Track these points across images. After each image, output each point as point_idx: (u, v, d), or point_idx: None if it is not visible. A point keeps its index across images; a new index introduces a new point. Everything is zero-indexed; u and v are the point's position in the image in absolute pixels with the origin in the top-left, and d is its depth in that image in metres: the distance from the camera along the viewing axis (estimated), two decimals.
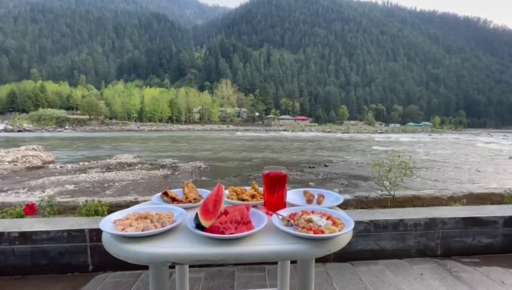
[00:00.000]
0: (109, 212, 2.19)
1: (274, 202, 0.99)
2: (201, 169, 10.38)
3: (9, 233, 1.64)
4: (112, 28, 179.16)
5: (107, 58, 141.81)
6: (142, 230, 0.78)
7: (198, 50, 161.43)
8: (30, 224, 1.74)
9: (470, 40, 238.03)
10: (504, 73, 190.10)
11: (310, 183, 8.00)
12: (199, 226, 0.78)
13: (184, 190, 1.14)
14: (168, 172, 9.47)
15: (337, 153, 17.75)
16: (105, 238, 0.80)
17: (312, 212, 0.92)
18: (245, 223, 0.81)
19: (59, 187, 7.02)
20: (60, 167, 10.28)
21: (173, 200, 1.07)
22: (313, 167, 11.18)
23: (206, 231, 0.77)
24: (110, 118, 67.88)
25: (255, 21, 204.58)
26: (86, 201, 2.11)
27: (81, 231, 1.68)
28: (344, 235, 0.80)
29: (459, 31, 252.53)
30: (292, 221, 0.86)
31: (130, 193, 7.01)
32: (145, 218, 0.85)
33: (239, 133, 51.99)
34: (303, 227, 0.81)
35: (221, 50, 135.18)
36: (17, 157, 10.70)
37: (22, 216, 2.06)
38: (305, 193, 1.20)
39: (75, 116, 63.11)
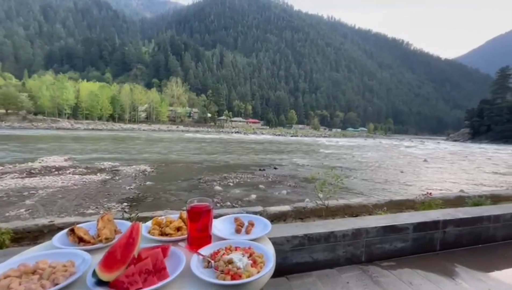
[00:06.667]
0: (13, 241, 1.83)
1: (198, 237, 0.93)
2: (146, 173, 9.69)
3: None
4: (39, 10, 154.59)
5: (32, 44, 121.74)
6: None
7: (145, 45, 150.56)
8: None
9: (397, 58, 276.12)
10: (421, 88, 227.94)
11: (260, 186, 8.17)
12: (100, 282, 0.68)
13: (98, 224, 0.99)
14: (107, 177, 8.62)
15: (286, 156, 18.56)
16: None
17: (236, 248, 0.88)
18: (159, 270, 0.74)
19: None
20: None
21: (80, 240, 0.92)
22: (263, 170, 11.46)
23: (110, 287, 0.67)
24: (35, 114, 58.47)
25: (208, 21, 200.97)
26: None
27: None
28: (260, 278, 0.75)
29: (388, 50, 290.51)
30: (212, 262, 0.81)
31: (58, 203, 6.13)
32: (33, 273, 0.71)
33: (189, 134, 50.21)
34: (222, 271, 0.76)
35: (171, 47, 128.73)
36: None
37: None
38: (235, 220, 1.17)
39: None
